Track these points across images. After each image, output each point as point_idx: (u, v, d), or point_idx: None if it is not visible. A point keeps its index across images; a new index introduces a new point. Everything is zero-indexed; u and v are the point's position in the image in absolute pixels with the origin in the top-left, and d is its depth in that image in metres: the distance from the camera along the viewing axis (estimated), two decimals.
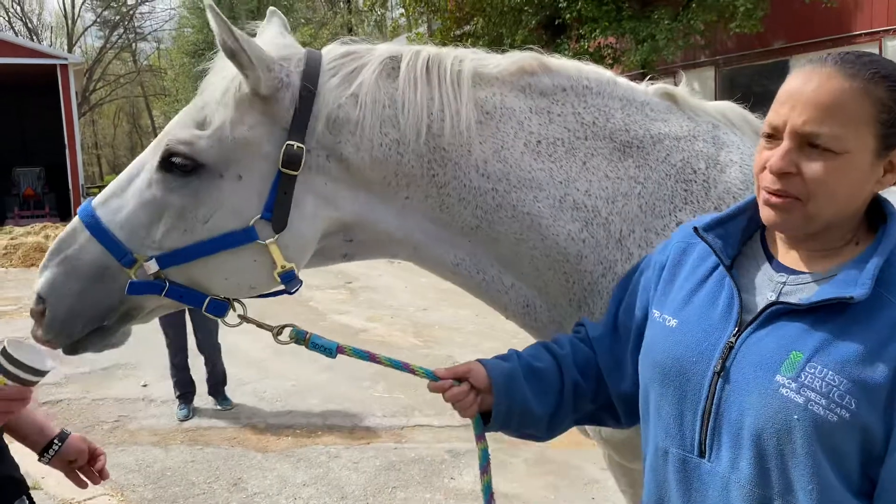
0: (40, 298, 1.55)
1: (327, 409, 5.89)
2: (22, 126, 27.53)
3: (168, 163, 1.53)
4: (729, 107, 1.93)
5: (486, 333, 7.88)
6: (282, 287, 1.63)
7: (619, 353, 1.47)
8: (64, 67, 24.82)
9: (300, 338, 1.56)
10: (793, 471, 1.06)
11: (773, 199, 1.13)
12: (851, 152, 1.08)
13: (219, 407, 5.99)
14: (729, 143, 1.81)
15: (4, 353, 1.47)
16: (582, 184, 1.66)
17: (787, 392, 1.07)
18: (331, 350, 1.55)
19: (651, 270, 1.43)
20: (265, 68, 1.53)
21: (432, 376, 1.46)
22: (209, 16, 1.47)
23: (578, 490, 4.33)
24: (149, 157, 1.60)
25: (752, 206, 1.28)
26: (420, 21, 14.93)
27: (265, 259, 1.56)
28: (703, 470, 1.18)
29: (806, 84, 1.10)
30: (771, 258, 1.24)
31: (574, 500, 4.20)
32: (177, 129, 1.56)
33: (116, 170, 71.21)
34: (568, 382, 1.46)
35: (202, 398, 6.07)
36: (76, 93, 26.24)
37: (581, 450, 4.87)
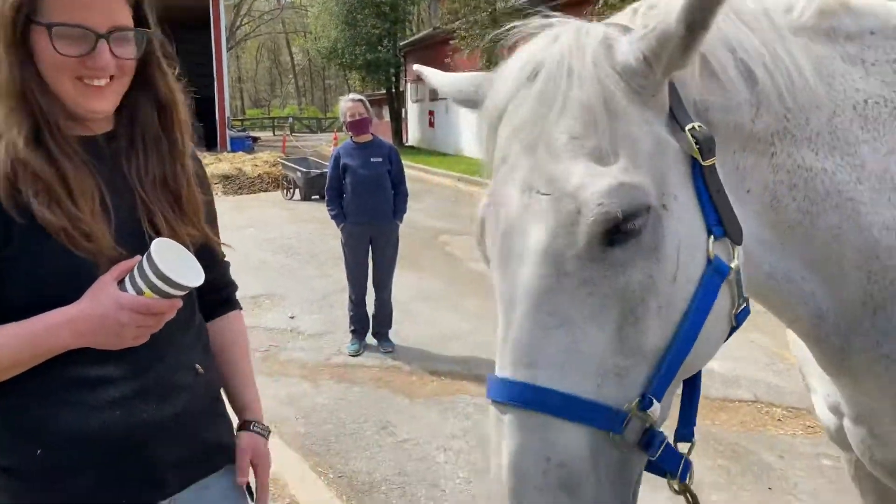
0: None
1: (471, 358, 5.74)
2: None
3: (614, 237, 1.00)
4: None
5: None
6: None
7: None
8: (216, 2, 25.75)
9: None
10: None
11: None
12: None
13: (382, 349, 5.99)
14: None
15: (151, 263, 1.25)
16: None
17: None
18: None
19: None
20: None
21: None
22: None
23: (753, 477, 3.94)
24: (536, 266, 1.03)
25: None
26: None
27: (731, 295, 1.13)
28: None
29: None
30: None
31: (748, 487, 3.83)
32: (588, 180, 1.00)
33: (257, 104, 74.43)
34: None
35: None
36: (225, 28, 27.24)
37: (753, 434, 4.46)
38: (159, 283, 1.26)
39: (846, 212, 1.28)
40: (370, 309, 6.08)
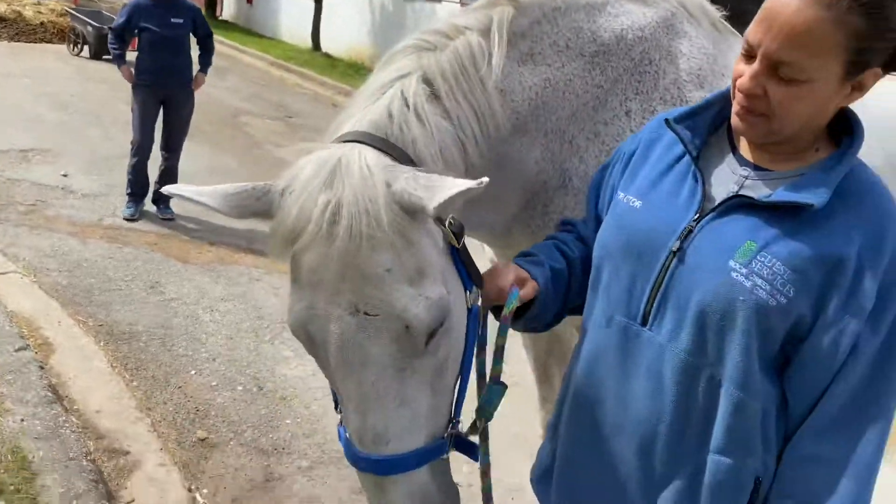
0: None
1: (253, 232, 5.87)
2: None
3: (431, 334, 1.28)
4: None
5: None
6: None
7: None
8: None
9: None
10: (728, 345, 1.18)
11: (742, 113, 1.20)
12: (816, 81, 1.12)
13: (160, 215, 5.89)
14: (681, 34, 1.85)
15: None
16: (558, 112, 1.70)
17: (737, 276, 1.16)
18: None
19: (620, 162, 1.48)
20: None
21: (517, 294, 1.39)
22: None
23: None
24: (379, 371, 1.27)
25: (723, 99, 1.33)
26: None
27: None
28: (643, 337, 1.28)
29: (786, 5, 1.11)
30: (734, 150, 1.31)
31: None
32: (409, 303, 1.22)
33: None
34: (574, 284, 1.51)
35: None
36: None
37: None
38: None
39: (515, 167, 1.71)
40: (153, 175, 5.94)
